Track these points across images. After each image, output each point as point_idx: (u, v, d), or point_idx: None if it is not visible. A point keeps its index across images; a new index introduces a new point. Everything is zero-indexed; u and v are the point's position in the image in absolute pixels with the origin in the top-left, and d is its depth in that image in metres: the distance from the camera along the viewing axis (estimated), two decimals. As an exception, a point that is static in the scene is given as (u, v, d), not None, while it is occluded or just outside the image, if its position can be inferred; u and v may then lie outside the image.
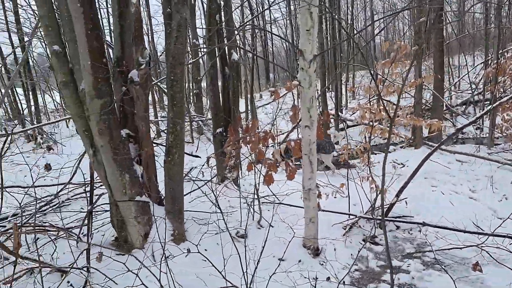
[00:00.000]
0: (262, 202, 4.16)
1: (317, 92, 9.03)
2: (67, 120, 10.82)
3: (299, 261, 3.43)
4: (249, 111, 11.01)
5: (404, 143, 8.01)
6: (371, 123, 4.50)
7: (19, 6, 11.44)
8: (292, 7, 15.07)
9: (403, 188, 4.23)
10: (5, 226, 3.75)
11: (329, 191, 4.74)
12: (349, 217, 4.30)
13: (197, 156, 4.86)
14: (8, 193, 4.30)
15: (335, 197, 4.74)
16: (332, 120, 9.44)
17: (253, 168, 3.67)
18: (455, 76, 12.68)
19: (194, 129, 10.62)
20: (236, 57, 5.18)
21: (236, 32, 6.03)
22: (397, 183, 4.45)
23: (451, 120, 9.27)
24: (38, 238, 3.79)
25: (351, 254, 3.68)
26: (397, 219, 4.35)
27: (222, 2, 5.16)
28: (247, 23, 9.58)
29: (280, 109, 9.24)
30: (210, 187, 4.19)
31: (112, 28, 4.09)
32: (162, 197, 3.83)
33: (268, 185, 3.45)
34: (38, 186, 4.35)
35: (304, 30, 2.80)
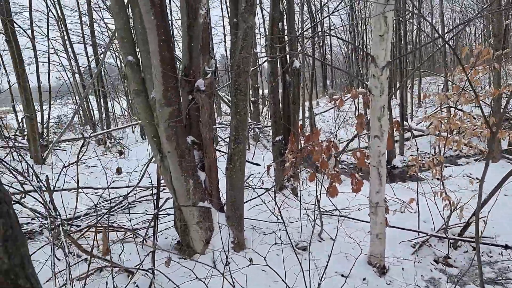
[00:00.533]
0: (323, 214, 4.02)
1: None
2: (133, 126, 11.53)
3: (364, 279, 3.24)
4: (306, 118, 10.89)
5: (479, 156, 7.34)
6: (444, 134, 4.15)
7: (94, 20, 12.53)
8: (355, 12, 14.72)
9: (482, 205, 3.83)
10: (79, 226, 4.03)
11: (396, 205, 4.46)
12: (418, 234, 3.99)
13: (257, 164, 4.86)
14: (84, 194, 4.64)
15: (402, 212, 4.44)
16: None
17: (315, 178, 3.56)
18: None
19: (251, 136, 10.73)
20: (297, 65, 5.12)
21: (299, 39, 5.99)
22: (474, 200, 4.05)
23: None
24: (106, 229, 4.02)
25: (422, 275, 3.40)
26: (475, 240, 3.93)
27: (284, 10, 5.15)
28: (310, 31, 9.49)
29: (340, 117, 8.98)
30: (271, 196, 4.15)
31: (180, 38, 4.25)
32: (223, 204, 3.86)
33: (332, 197, 3.32)
34: (110, 188, 4.63)
35: (377, 36, 2.66)
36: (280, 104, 5.27)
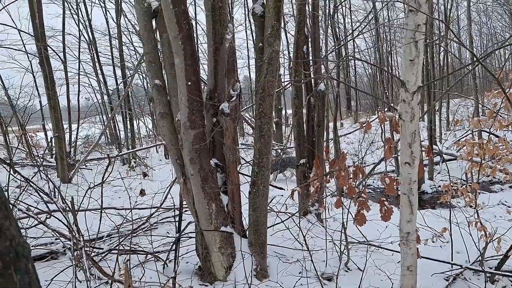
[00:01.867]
0: (350, 243, 3.86)
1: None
2: (157, 146, 11.71)
3: (394, 314, 3.04)
4: (329, 140, 10.75)
5: (512, 182, 6.96)
6: (476, 159, 3.95)
7: (123, 43, 13.03)
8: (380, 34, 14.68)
9: (522, 237, 3.58)
10: (101, 248, 4.03)
11: (426, 234, 4.22)
12: (452, 267, 3.74)
13: (281, 188, 4.77)
14: (107, 215, 4.66)
15: (434, 242, 4.20)
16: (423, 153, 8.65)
17: (342, 205, 3.43)
18: None
19: (273, 158, 10.65)
20: (322, 87, 5.07)
21: (324, 62, 5.97)
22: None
23: None
24: (127, 260, 3.99)
25: None
26: None
27: (309, 34, 5.16)
28: (335, 53, 9.49)
29: (365, 140, 8.81)
30: (295, 222, 4.03)
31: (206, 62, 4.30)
32: (246, 229, 3.77)
33: (360, 225, 3.18)
34: (134, 208, 4.65)
35: (408, 60, 2.58)
36: (305, 127, 5.21)
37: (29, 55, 11.06)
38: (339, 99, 9.38)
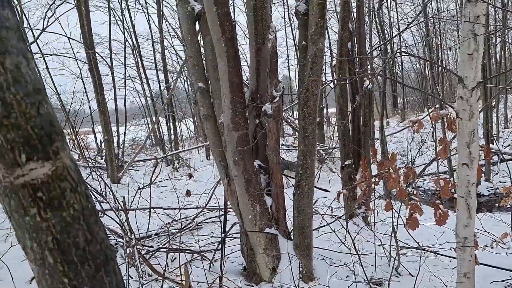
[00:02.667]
0: (402, 248, 3.68)
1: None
2: (199, 148, 11.96)
3: (451, 325, 2.85)
4: (375, 139, 10.36)
5: None
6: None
7: (165, 48, 13.47)
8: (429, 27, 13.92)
9: None
10: (151, 246, 4.18)
11: (484, 239, 3.93)
12: (512, 275, 3.46)
13: (326, 190, 4.67)
14: (156, 214, 4.83)
15: (492, 248, 3.89)
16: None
17: (392, 208, 3.27)
18: None
19: (315, 159, 10.45)
20: (369, 85, 4.89)
21: (369, 59, 5.77)
22: None
23: None
24: (175, 258, 4.10)
25: None
26: None
27: (354, 30, 5.00)
28: (380, 49, 9.15)
29: (414, 139, 8.39)
30: (342, 224, 3.92)
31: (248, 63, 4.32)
32: (290, 231, 3.73)
33: (412, 229, 3.01)
34: (181, 208, 4.77)
35: (466, 55, 2.40)
36: (350, 127, 5.05)
37: (79, 62, 11.77)
38: (385, 96, 9.01)
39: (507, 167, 4.74)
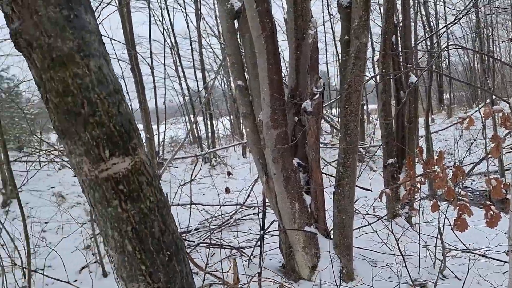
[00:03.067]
0: (447, 249, 3.50)
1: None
2: (235, 146, 12.09)
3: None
4: (420, 137, 9.92)
5: None
6: None
7: (203, 46, 13.68)
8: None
9: None
10: (192, 241, 4.29)
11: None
12: None
13: (367, 189, 4.53)
14: (198, 210, 4.94)
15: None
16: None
17: (438, 208, 3.11)
18: None
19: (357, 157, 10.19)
20: (414, 80, 4.68)
21: (414, 52, 5.52)
22: None
23: None
24: (214, 253, 4.18)
25: None
26: None
27: (398, 23, 4.80)
28: (426, 42, 8.74)
29: (462, 137, 7.94)
30: (385, 224, 3.79)
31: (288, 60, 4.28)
32: (330, 230, 3.66)
33: (460, 231, 2.85)
34: (220, 205, 4.85)
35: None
36: (393, 124, 4.87)
37: (121, 62, 12.26)
38: (431, 92, 8.59)
39: None
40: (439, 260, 3.47)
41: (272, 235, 4.32)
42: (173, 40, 13.49)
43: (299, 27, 3.42)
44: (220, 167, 10.80)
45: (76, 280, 3.85)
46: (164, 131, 11.35)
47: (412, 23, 10.71)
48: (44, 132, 11.14)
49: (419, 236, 3.51)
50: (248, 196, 5.00)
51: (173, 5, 17.28)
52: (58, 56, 0.75)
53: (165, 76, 12.70)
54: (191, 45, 14.32)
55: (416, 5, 8.23)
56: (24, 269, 3.55)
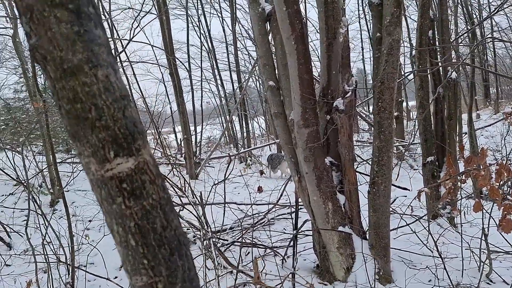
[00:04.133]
0: (492, 252, 3.32)
1: None
2: (270, 145, 12.14)
3: None
4: (463, 134, 9.43)
5: None
6: None
7: (238, 49, 13.88)
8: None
9: None
10: (226, 240, 4.37)
11: None
12: None
13: (405, 189, 4.39)
14: (230, 209, 5.02)
15: None
16: None
17: (482, 208, 2.96)
18: None
19: (394, 155, 9.87)
20: (453, 76, 4.48)
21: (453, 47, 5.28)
22: None
23: None
24: (248, 252, 4.23)
25: None
26: None
27: (435, 17, 4.61)
28: (467, 36, 8.30)
29: (509, 133, 7.46)
30: (423, 225, 3.66)
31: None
32: (365, 231, 3.59)
33: (506, 232, 2.70)
34: (253, 204, 4.90)
35: None
36: (432, 120, 4.68)
37: (161, 67, 12.71)
38: (474, 87, 8.15)
39: None
40: (484, 263, 3.30)
41: (306, 235, 4.30)
42: (209, 44, 13.82)
43: (330, 26, 3.40)
44: (255, 166, 10.89)
45: (116, 277, 4.04)
46: (201, 132, 11.63)
47: (452, 16, 10.24)
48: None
49: (461, 237, 3.35)
50: (281, 195, 5.01)
51: (210, 11, 17.74)
52: (68, 67, 0.84)
53: (202, 79, 13.04)
54: (226, 48, 14.64)
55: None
56: (68, 265, 3.77)
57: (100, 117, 0.87)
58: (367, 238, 3.49)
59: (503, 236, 3.49)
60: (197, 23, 14.14)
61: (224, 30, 14.76)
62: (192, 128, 11.11)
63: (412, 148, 9.30)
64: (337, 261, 3.38)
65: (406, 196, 5.29)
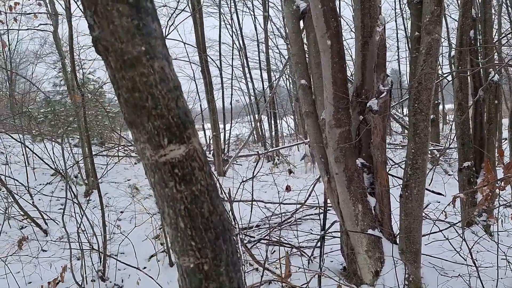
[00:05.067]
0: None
1: None
2: (299, 145, 12.06)
3: None
4: (503, 140, 8.96)
5: None
6: None
7: (270, 48, 13.86)
8: None
9: None
10: (253, 236, 4.39)
11: None
12: None
13: (439, 194, 4.24)
14: (258, 207, 5.05)
15: None
16: None
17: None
18: None
19: (428, 159, 9.55)
20: (496, 77, 4.27)
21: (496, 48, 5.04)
22: None
23: None
24: (274, 251, 4.23)
25: None
26: None
27: (478, 16, 4.42)
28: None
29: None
30: (457, 232, 3.53)
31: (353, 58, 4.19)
32: (396, 235, 3.50)
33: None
34: (281, 203, 4.90)
35: None
36: (470, 124, 4.50)
37: (193, 65, 12.92)
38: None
39: None
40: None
41: (334, 237, 4.25)
42: (241, 42, 13.90)
43: (366, 25, 3.35)
44: (283, 165, 10.87)
45: (145, 267, 4.17)
46: (230, 129, 11.73)
47: (496, 16, 9.74)
48: (123, 130, 12.21)
49: (497, 246, 3.19)
50: (309, 195, 4.97)
51: (242, 9, 17.80)
52: (128, 59, 0.90)
53: (232, 77, 13.14)
54: (258, 46, 14.65)
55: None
56: (100, 253, 3.93)
57: (156, 106, 0.92)
58: (398, 242, 3.40)
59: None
60: (230, 21, 14.25)
61: (256, 28, 14.79)
62: (221, 125, 11.23)
63: (447, 153, 8.96)
64: (365, 264, 3.32)
65: (439, 202, 5.11)
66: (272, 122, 12.97)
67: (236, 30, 14.18)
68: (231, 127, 12.15)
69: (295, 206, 5.40)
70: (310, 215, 5.41)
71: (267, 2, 12.94)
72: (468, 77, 4.62)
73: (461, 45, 4.38)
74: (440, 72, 9.63)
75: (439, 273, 3.35)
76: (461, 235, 3.22)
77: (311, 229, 4.89)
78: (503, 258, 3.28)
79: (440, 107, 12.49)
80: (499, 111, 5.06)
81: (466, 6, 4.28)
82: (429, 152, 9.62)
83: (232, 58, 13.82)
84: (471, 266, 3.12)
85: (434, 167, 8.88)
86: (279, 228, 4.35)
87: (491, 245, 3.62)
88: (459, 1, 4.83)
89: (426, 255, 3.51)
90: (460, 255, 3.44)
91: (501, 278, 3.14)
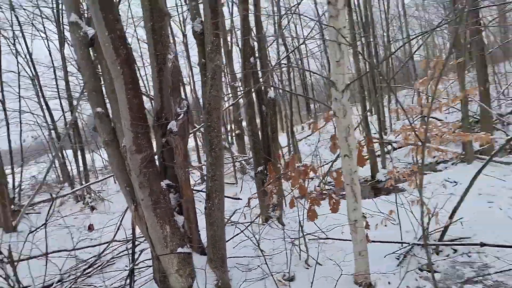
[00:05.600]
0: (309, 240, 3.97)
1: (359, 118, 8.94)
2: (114, 177, 11.26)
3: (351, 300, 3.18)
4: (291, 144, 10.96)
5: (455, 160, 7.63)
6: (418, 143, 4.25)
7: (70, 74, 12.54)
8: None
9: (456, 208, 3.95)
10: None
11: (379, 219, 4.47)
12: (402, 245, 4.00)
13: (238, 199, 4.81)
14: (50, 260, 4.16)
15: (385, 226, 4.43)
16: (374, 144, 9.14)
17: (295, 204, 3.55)
18: (502, 84, 12.09)
19: (238, 170, 10.68)
20: (272, 95, 5.26)
21: (270, 71, 6.19)
22: (450, 203, 4.15)
23: (503, 130, 8.65)
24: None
25: (407, 286, 3.35)
26: (453, 242, 3.99)
27: (255, 45, 5.36)
28: (280, 63, 9.81)
29: (320, 140, 9.10)
30: (251, 229, 4.08)
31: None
32: (204, 246, 3.74)
33: (312, 221, 3.31)
34: (81, 248, 4.40)
35: (334, 62, 2.78)
36: (260, 135, 5.35)
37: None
38: (293, 103, 9.64)
39: (391, 155, 5.47)
40: (303, 251, 3.89)
41: (150, 266, 4.09)
42: (33, 70, 11.96)
43: (159, 52, 3.48)
44: (99, 204, 9.92)
45: None
46: (21, 172, 9.92)
47: (274, 43, 11.97)
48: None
49: (284, 233, 3.89)
50: (118, 230, 4.70)
51: (31, 32, 15.04)
52: None
53: (20, 110, 11.16)
54: (54, 73, 12.91)
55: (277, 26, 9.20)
56: None
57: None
58: (206, 252, 3.62)
59: (316, 225, 4.23)
60: (13, 46, 12.04)
61: (50, 54, 13.03)
62: (8, 170, 9.31)
63: (251, 161, 10.25)
64: (177, 284, 3.37)
65: (244, 207, 5.80)
66: (80, 156, 11.70)
67: (25, 55, 12.11)
68: (22, 169, 10.23)
69: (105, 245, 4.93)
70: (123, 251, 4.97)
71: (61, 23, 11.64)
72: (253, 95, 5.51)
73: (244, 68, 5.22)
74: (238, 91, 11.00)
75: (244, 271, 3.76)
76: (250, 230, 3.66)
77: (126, 266, 4.49)
78: (290, 242, 4.00)
79: (244, 123, 14.18)
80: (286, 121, 6.25)
81: (245, 38, 5.13)
82: (239, 162, 10.81)
83: (19, 88, 11.64)
84: (265, 256, 3.64)
85: (242, 175, 10.02)
86: (87, 275, 3.92)
87: (282, 233, 4.35)
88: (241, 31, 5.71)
89: (232, 257, 3.89)
90: (259, 248, 3.94)
91: (290, 260, 3.80)
